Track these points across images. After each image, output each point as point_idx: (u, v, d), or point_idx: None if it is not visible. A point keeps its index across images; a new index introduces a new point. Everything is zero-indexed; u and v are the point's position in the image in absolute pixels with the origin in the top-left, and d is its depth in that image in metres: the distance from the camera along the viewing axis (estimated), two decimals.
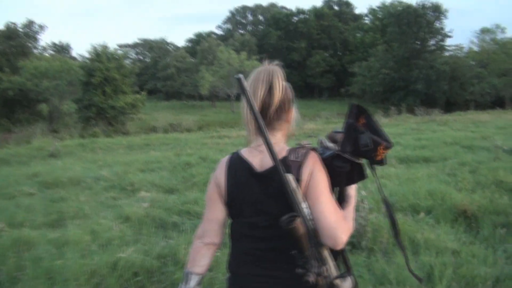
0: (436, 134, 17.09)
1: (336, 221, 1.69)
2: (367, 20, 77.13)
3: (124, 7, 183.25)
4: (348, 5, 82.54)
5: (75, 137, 23.62)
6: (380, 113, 27.16)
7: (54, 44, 57.96)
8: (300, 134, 20.87)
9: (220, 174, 1.93)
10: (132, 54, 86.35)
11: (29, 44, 40.13)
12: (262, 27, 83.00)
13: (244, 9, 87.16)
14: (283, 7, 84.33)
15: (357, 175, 1.84)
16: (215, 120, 39.67)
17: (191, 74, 58.60)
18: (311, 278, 1.64)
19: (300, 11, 78.18)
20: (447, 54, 55.57)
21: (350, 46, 71.78)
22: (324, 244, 1.68)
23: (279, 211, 1.71)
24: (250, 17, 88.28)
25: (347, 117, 1.83)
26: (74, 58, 50.33)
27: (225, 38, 75.12)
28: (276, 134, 1.87)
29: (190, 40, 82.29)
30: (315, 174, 1.74)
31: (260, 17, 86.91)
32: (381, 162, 1.82)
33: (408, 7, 52.67)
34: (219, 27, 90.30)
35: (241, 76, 1.56)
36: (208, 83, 48.42)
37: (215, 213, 1.95)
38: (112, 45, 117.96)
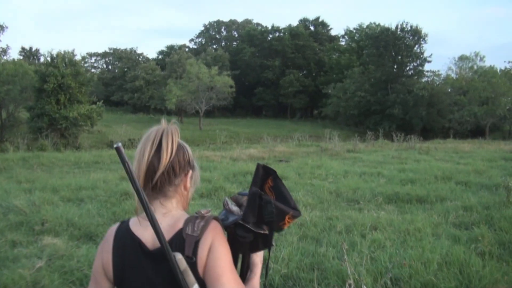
0: (421, 165, 15.61)
1: None
2: (343, 42, 76.28)
3: (97, 15, 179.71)
4: (324, 25, 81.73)
5: (22, 149, 21.11)
6: (356, 138, 25.36)
7: (23, 49, 55.11)
8: (270, 158, 19.19)
9: (106, 253, 1.66)
10: (101, 64, 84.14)
11: None
12: (236, 43, 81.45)
13: (218, 24, 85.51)
14: (258, 24, 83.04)
15: (262, 244, 1.75)
16: (182, 137, 36.98)
17: (159, 87, 55.98)
18: None
19: (275, 29, 77.05)
20: (425, 79, 54.56)
21: (325, 66, 70.70)
22: None
23: None
24: (224, 32, 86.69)
25: (253, 180, 1.76)
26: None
27: (198, 52, 73.26)
28: (169, 202, 1.67)
29: (161, 52, 79.96)
30: (215, 250, 1.56)
31: (235, 33, 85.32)
32: (279, 230, 1.75)
33: (387, 29, 51.50)
34: (192, 40, 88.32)
35: (119, 145, 1.39)
36: (175, 97, 46.09)
37: None
38: (82, 53, 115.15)
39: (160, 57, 78.41)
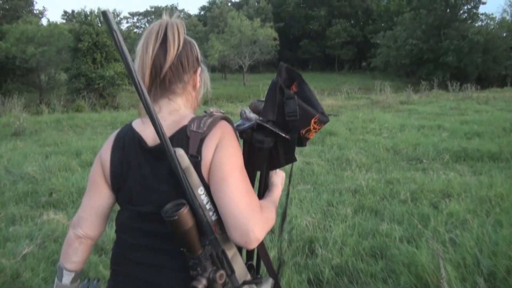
0: (483, 116, 14.19)
1: (248, 210, 1.30)
2: None
3: None
4: None
5: (58, 111, 20.53)
6: (409, 88, 23.66)
7: (65, 12, 55.06)
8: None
9: (105, 150, 1.54)
10: (144, 23, 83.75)
11: (22, 7, 36.67)
12: None
13: None
14: None
15: (283, 156, 1.55)
16: (224, 93, 36.67)
17: (202, 43, 54.49)
18: (199, 285, 1.27)
19: None
20: (479, 23, 50.90)
21: (373, 14, 67.13)
22: (230, 240, 1.34)
23: (173, 199, 1.31)
24: None
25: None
26: None
27: (240, 5, 70.94)
28: (176, 100, 1.49)
29: (203, 8, 77.96)
30: (222, 149, 1.36)
31: None
32: (305, 143, 1.55)
33: None
34: None
35: (107, 9, 1.13)
36: (217, 52, 44.68)
37: (94, 199, 1.58)
38: (124, 13, 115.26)
39: (202, 13, 76.71)
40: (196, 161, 1.33)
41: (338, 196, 5.85)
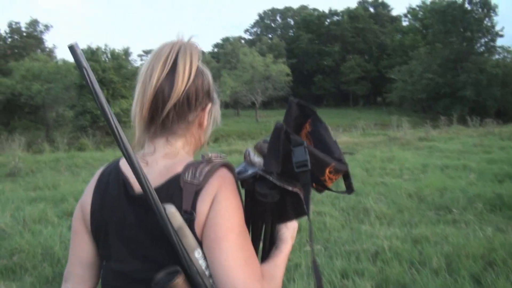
0: (510, 154, 13.16)
1: (244, 284, 1.11)
2: (405, 22, 71.86)
3: (150, 14, 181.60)
4: (385, 6, 77.55)
5: (62, 149, 19.81)
6: (428, 124, 22.71)
7: (90, 48, 56.05)
8: None
9: (87, 192, 1.35)
10: None
11: (32, 45, 36.74)
12: (292, 31, 78.57)
13: (273, 12, 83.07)
14: (314, 9, 79.72)
15: (292, 209, 1.31)
16: (236, 130, 35.97)
17: (214, 80, 53.86)
18: None
19: (333, 13, 73.62)
20: (496, 57, 49.88)
21: (387, 49, 66.50)
22: None
23: (164, 258, 1.18)
24: (279, 20, 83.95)
25: (285, 120, 1.33)
26: None
27: (253, 42, 71.16)
28: (175, 141, 1.30)
29: (217, 45, 78.36)
30: (218, 205, 1.17)
31: (290, 21, 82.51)
32: (348, 190, 1.36)
33: (453, 2, 46.82)
34: (247, 31, 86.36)
35: (75, 43, 0.99)
36: (229, 89, 44.16)
37: (78, 250, 1.36)
38: (137, 50, 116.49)
39: (215, 50, 76.88)
40: (190, 219, 1.15)
41: (355, 261, 4.77)
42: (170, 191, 1.18)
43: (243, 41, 73.06)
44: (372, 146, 18.22)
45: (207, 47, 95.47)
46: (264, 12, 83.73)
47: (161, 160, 1.26)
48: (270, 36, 76.74)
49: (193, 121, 1.31)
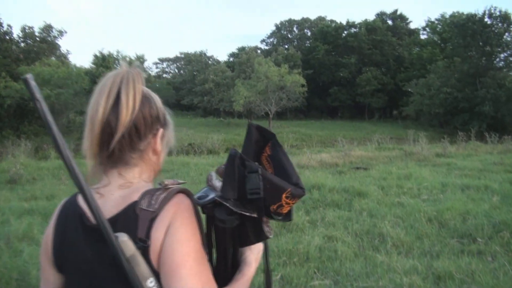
0: None
1: None
2: (424, 35, 71.02)
3: (172, 24, 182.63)
4: (403, 18, 76.68)
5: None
6: (446, 140, 21.98)
7: (96, 56, 56.26)
8: (346, 164, 16.34)
9: (49, 226, 1.35)
10: (173, 68, 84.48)
11: (45, 50, 36.58)
12: (309, 42, 78.00)
13: (290, 23, 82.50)
14: (332, 21, 79.01)
15: (253, 233, 1.34)
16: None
17: (229, 89, 53.62)
18: None
19: (350, 24, 72.91)
20: None
21: (405, 62, 65.60)
22: None
23: None
24: (296, 31, 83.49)
25: (244, 146, 1.41)
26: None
27: (269, 52, 70.65)
28: (129, 172, 1.29)
29: (232, 55, 77.90)
30: (174, 232, 1.18)
31: (307, 32, 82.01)
32: (287, 217, 1.33)
33: (473, 16, 46.09)
34: (263, 41, 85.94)
35: (28, 76, 1.02)
36: (242, 98, 43.66)
37: (48, 283, 1.35)
38: (153, 59, 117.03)
39: (231, 59, 76.56)
40: (144, 247, 1.15)
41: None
42: (127, 219, 1.17)
43: (259, 51, 72.67)
44: (388, 161, 17.62)
45: (223, 57, 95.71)
46: (281, 23, 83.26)
47: (117, 191, 1.25)
48: (286, 46, 76.22)
49: (146, 149, 1.30)
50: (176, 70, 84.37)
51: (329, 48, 69.55)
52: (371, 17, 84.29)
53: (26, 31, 36.42)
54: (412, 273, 4.79)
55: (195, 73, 68.94)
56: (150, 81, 34.66)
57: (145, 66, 35.42)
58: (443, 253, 5.73)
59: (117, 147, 1.23)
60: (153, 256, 1.15)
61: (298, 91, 46.90)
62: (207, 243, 1.30)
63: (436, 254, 5.72)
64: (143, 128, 1.27)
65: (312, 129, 47.52)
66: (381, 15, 76.80)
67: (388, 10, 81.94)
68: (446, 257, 5.47)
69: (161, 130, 1.33)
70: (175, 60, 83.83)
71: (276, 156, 1.36)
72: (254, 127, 1.41)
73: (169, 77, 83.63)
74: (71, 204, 1.31)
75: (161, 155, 1.36)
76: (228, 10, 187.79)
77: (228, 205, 1.25)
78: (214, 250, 1.39)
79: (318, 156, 18.93)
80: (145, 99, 1.27)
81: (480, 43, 45.71)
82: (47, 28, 36.64)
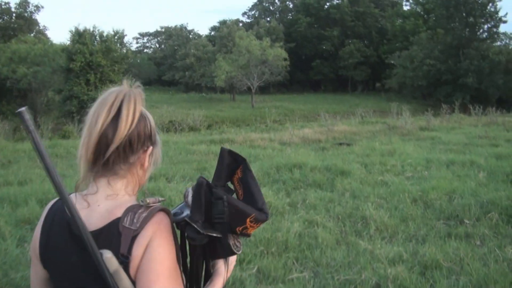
0: None
1: None
2: (407, 6, 70.37)
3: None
4: None
5: (45, 137, 18.73)
6: (429, 113, 21.81)
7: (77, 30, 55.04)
8: (329, 140, 16.03)
9: (37, 226, 1.43)
10: (154, 43, 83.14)
11: (22, 26, 35.40)
12: (291, 15, 76.86)
13: None
14: None
15: (222, 250, 1.44)
16: (231, 116, 34.98)
17: (210, 64, 52.59)
18: None
19: None
20: (499, 43, 48.80)
21: (387, 34, 64.86)
22: None
23: None
24: (278, 3, 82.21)
25: (216, 169, 1.49)
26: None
27: (251, 26, 69.45)
28: (116, 182, 1.38)
29: (214, 28, 76.28)
30: (152, 250, 1.27)
31: (290, 4, 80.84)
32: (248, 235, 1.47)
33: None
34: (244, 14, 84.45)
35: (23, 109, 1.13)
36: (224, 73, 42.91)
37: (34, 272, 1.44)
38: (134, 34, 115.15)
39: (212, 33, 75.11)
40: (126, 262, 1.24)
41: None
42: (110, 235, 1.25)
43: (240, 24, 71.50)
44: (371, 135, 17.38)
45: (205, 31, 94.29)
46: None
47: (103, 202, 1.33)
48: (268, 19, 75.06)
49: (135, 163, 1.38)
50: (157, 45, 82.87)
51: (311, 21, 68.54)
52: None
53: (2, 7, 35.17)
54: (397, 263, 4.48)
55: (176, 48, 67.60)
56: (128, 57, 33.70)
57: (124, 41, 34.26)
58: (429, 237, 5.45)
59: (111, 158, 1.32)
60: (132, 271, 1.24)
61: (280, 65, 46.27)
62: (181, 255, 1.40)
63: (422, 238, 5.44)
64: (136, 143, 1.35)
65: (295, 103, 47.07)
66: None
67: None
68: (433, 242, 5.18)
69: (151, 148, 1.41)
70: (156, 34, 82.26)
71: (246, 180, 1.46)
72: (226, 152, 1.49)
73: (150, 52, 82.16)
74: (59, 210, 1.36)
75: (147, 171, 1.44)
76: None
77: (195, 226, 1.35)
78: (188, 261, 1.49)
79: (300, 132, 18.61)
80: (142, 117, 1.36)
81: (464, 14, 45.40)
82: (23, 3, 35.43)
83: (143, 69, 69.62)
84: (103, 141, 1.29)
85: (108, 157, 1.32)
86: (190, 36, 74.33)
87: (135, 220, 1.26)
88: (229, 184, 1.53)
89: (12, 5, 35.96)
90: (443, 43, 45.81)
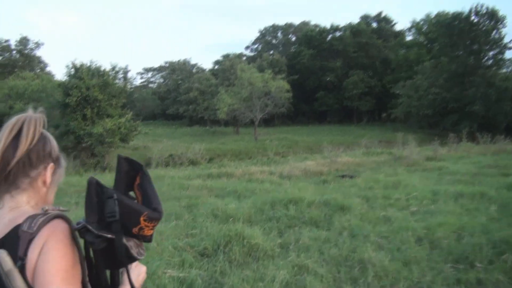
0: None
1: None
2: (409, 36, 70.33)
3: (156, 34, 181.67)
4: (388, 21, 75.97)
5: None
6: (436, 142, 21.22)
7: (74, 65, 55.13)
8: (331, 172, 15.42)
9: None
10: (158, 78, 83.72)
11: (21, 62, 35.45)
12: (294, 48, 77.04)
13: (274, 28, 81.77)
14: (316, 25, 78.19)
15: (120, 254, 1.44)
16: (234, 149, 34.46)
17: (213, 97, 52.35)
18: None
19: (334, 28, 72.08)
20: (504, 70, 48.22)
21: (391, 64, 64.71)
22: None
23: None
24: (280, 37, 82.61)
25: (116, 177, 1.54)
26: None
27: (254, 59, 69.65)
28: (19, 196, 1.48)
29: (217, 62, 76.47)
30: (46, 252, 1.32)
31: (292, 37, 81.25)
32: (148, 239, 1.49)
33: (459, 14, 45.23)
34: (247, 47, 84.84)
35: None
36: (226, 106, 42.51)
37: None
38: (137, 69, 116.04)
39: (216, 67, 75.33)
40: (22, 264, 1.29)
41: None
42: (11, 240, 1.32)
43: (244, 58, 71.62)
44: (376, 166, 16.77)
45: (208, 65, 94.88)
46: (265, 29, 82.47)
47: (8, 214, 1.42)
48: (271, 52, 75.25)
49: (36, 177, 1.48)
50: (162, 80, 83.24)
51: (314, 53, 68.54)
52: (355, 20, 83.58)
53: (3, 44, 35.23)
54: None
55: (179, 82, 67.73)
56: (126, 91, 33.35)
57: (129, 77, 34.12)
58: (435, 285, 4.73)
59: (12, 172, 1.43)
60: (29, 273, 1.28)
61: (283, 96, 45.85)
62: (87, 264, 1.44)
63: (427, 286, 4.70)
64: (35, 158, 1.46)
65: (299, 135, 46.56)
66: (365, 18, 76.04)
67: (373, 13, 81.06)
68: None
69: (51, 164, 1.51)
70: (160, 69, 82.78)
71: (143, 184, 1.50)
72: (123, 159, 1.53)
73: (154, 86, 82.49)
74: None
75: (50, 188, 1.53)
76: (212, 18, 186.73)
77: (91, 228, 1.37)
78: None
79: (302, 164, 18.03)
80: (42, 138, 1.49)
81: (468, 42, 44.95)
82: (23, 40, 35.50)
83: (147, 104, 69.72)
84: (5, 158, 1.42)
85: (10, 171, 1.43)
86: (194, 70, 74.56)
87: (32, 225, 1.32)
88: (132, 193, 1.55)
89: (12, 42, 36.07)
90: (448, 71, 45.26)
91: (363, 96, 64.34)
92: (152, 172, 17.83)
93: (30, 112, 1.50)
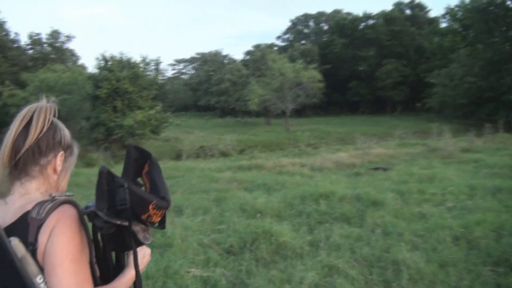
0: None
1: None
2: (444, 23, 68.59)
3: (188, 25, 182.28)
4: (422, 7, 74.15)
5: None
6: (472, 133, 20.57)
7: (104, 57, 55.63)
8: (364, 164, 15.12)
9: None
10: (189, 69, 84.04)
11: (52, 55, 35.83)
12: (326, 37, 76.05)
13: (306, 18, 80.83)
14: (348, 13, 76.95)
15: (129, 239, 1.53)
16: (264, 140, 34.18)
17: (244, 88, 52.08)
18: None
19: (367, 16, 70.68)
20: None
21: (426, 52, 63.08)
22: None
23: (19, 286, 1.36)
24: (312, 26, 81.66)
25: (124, 165, 1.62)
26: None
27: (285, 49, 69.02)
28: (28, 182, 1.54)
29: (248, 53, 76.15)
30: (54, 237, 1.39)
31: (324, 26, 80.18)
32: (161, 225, 1.57)
33: None
34: (279, 37, 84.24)
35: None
36: (257, 97, 42.20)
37: None
38: (169, 60, 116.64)
39: (247, 57, 74.97)
40: (33, 249, 1.36)
41: None
42: (20, 226, 1.38)
43: (275, 48, 71.09)
44: (410, 159, 16.37)
45: (240, 55, 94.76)
46: (297, 18, 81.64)
47: (18, 200, 1.47)
48: (303, 42, 74.45)
49: (46, 165, 1.54)
50: (193, 71, 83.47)
51: (346, 42, 67.45)
52: (388, 7, 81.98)
53: (34, 38, 35.66)
54: None
55: (211, 73, 67.58)
56: (156, 83, 33.37)
57: (160, 68, 34.27)
58: None
59: (22, 159, 1.49)
60: (40, 257, 1.36)
61: (315, 87, 45.28)
62: (94, 247, 1.53)
63: None
64: (45, 146, 1.53)
65: (332, 125, 45.98)
66: (398, 5, 74.32)
67: None
68: None
69: (61, 152, 1.58)
70: (191, 60, 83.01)
71: (151, 173, 1.56)
72: (133, 147, 1.61)
73: (186, 78, 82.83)
74: None
75: (61, 175, 1.59)
76: (243, 9, 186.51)
77: (101, 214, 1.43)
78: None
79: (334, 156, 17.74)
80: (53, 126, 1.56)
81: (504, 28, 43.52)
82: (54, 34, 35.88)
83: (179, 95, 69.99)
84: (16, 146, 1.48)
85: (20, 159, 1.49)
86: (225, 61, 74.30)
87: (41, 211, 1.39)
88: (140, 180, 1.61)
89: (44, 36, 36.55)
90: (483, 59, 43.85)
91: (397, 85, 63.00)
92: (183, 164, 17.83)
93: (42, 102, 1.55)
